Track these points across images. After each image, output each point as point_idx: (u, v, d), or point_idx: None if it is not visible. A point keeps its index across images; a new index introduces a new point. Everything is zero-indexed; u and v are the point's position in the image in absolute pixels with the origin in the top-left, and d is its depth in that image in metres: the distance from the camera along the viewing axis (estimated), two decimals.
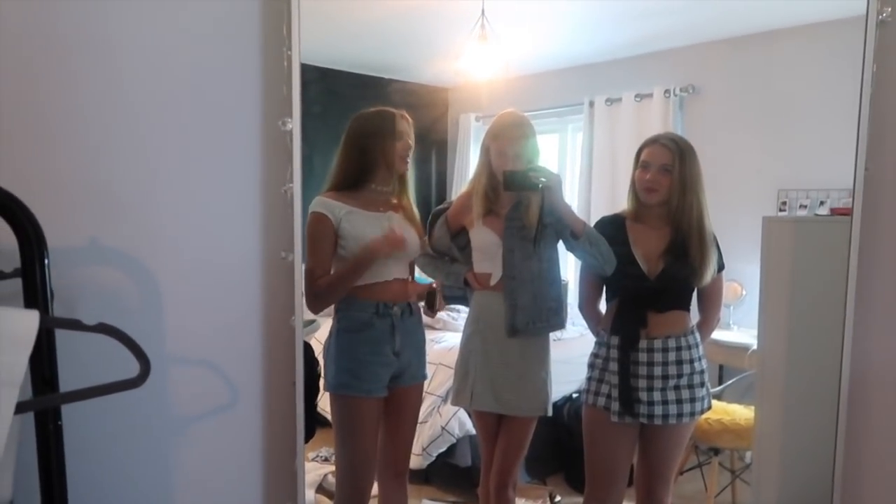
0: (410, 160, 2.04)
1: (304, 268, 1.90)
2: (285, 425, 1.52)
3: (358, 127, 1.98)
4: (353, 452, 2.00)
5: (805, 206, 3.22)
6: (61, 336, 1.16)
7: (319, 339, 3.28)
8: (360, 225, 1.95)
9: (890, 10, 1.15)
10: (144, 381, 1.04)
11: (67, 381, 1.14)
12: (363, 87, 4.28)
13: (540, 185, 1.95)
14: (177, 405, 1.43)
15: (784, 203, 3.31)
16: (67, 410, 1.14)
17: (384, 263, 1.97)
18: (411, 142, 1.99)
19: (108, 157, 1.36)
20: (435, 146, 5.06)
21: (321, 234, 1.92)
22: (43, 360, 1.07)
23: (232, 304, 1.49)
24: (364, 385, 1.96)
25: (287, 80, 1.45)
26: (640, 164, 2.04)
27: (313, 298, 1.95)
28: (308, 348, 1.83)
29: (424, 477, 3.04)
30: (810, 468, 1.70)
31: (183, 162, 1.43)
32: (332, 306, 2.04)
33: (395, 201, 2.06)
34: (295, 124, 1.46)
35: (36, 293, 1.06)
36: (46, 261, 1.08)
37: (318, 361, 1.96)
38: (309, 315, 2.82)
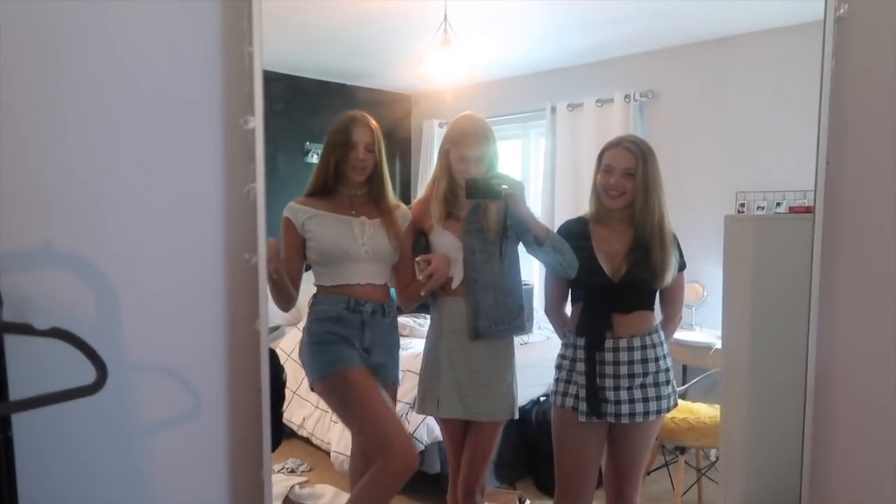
0: (383, 161, 2.04)
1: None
2: (251, 433, 1.47)
3: (327, 135, 2.02)
4: (364, 416, 1.93)
5: (762, 208, 3.30)
6: (11, 343, 1.10)
7: (285, 348, 3.24)
8: (324, 226, 1.98)
9: (847, 6, 1.18)
10: (101, 388, 0.99)
11: (18, 390, 1.09)
12: (327, 93, 4.25)
13: (503, 193, 1.95)
14: (136, 413, 1.37)
15: (742, 205, 3.38)
16: (18, 421, 1.08)
17: (353, 267, 1.98)
18: (364, 152, 1.98)
19: (61, 158, 1.30)
20: (398, 152, 5.05)
21: (285, 237, 2.00)
22: None
23: (193, 308, 1.44)
24: (342, 356, 1.94)
25: (248, 78, 1.42)
26: (603, 168, 2.05)
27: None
28: (273, 355, 1.79)
29: None
30: (776, 463, 1.73)
31: (140, 162, 1.38)
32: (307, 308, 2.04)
33: (371, 206, 2.05)
34: (257, 122, 1.43)
35: None
36: None
37: (283, 369, 1.93)
38: (274, 321, 2.78)
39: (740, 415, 1.89)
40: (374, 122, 2.02)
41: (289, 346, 3.17)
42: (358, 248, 1.99)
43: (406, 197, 4.95)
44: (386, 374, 2.07)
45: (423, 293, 2.05)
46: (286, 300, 1.98)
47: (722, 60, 3.59)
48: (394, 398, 2.14)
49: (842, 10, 1.20)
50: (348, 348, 1.96)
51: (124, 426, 1.36)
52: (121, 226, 1.36)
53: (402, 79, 4.58)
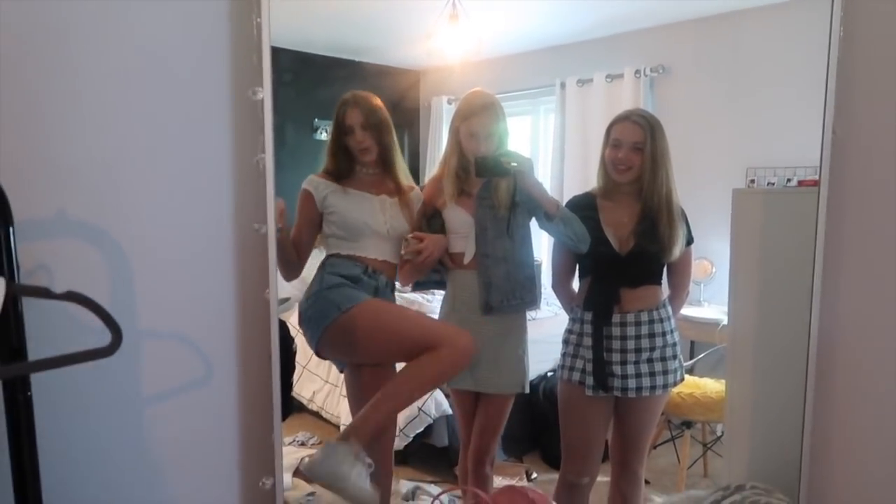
0: (390, 142, 2.02)
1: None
2: (261, 399, 1.50)
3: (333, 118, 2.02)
4: (412, 323, 1.89)
5: (773, 184, 3.27)
6: (29, 309, 1.13)
7: (294, 323, 3.28)
8: (348, 201, 1.99)
9: None
10: (116, 350, 1.02)
11: (36, 355, 1.12)
12: (336, 69, 4.24)
13: (511, 171, 1.96)
14: (149, 379, 1.40)
15: (752, 181, 3.35)
16: (37, 383, 1.11)
17: (373, 243, 1.99)
18: (361, 132, 1.96)
19: (74, 128, 1.32)
20: (406, 128, 5.04)
21: (302, 209, 2.01)
22: (10, 330, 1.04)
23: (204, 277, 1.46)
24: (364, 294, 1.90)
25: (257, 49, 1.43)
26: (612, 142, 2.05)
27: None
28: (282, 325, 1.81)
29: (402, 458, 3.04)
30: (779, 438, 1.74)
31: (150, 132, 1.40)
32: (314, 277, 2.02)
33: (389, 185, 2.06)
34: (266, 93, 1.44)
35: (1, 261, 1.02)
36: (12, 228, 1.05)
37: (293, 339, 1.94)
38: (284, 293, 2.80)
39: (745, 389, 1.90)
40: (370, 102, 1.98)
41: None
42: (380, 224, 1.99)
43: (414, 172, 4.96)
44: None
45: (407, 269, 2.06)
46: (289, 268, 1.97)
47: (734, 35, 3.55)
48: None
49: None
50: (357, 293, 1.90)
51: (137, 391, 1.39)
52: (133, 195, 1.38)
53: (411, 55, 4.56)
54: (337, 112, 1.99)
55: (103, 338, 1.05)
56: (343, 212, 1.98)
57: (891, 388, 1.35)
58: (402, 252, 2.02)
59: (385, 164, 2.04)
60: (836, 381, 1.44)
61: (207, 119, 1.45)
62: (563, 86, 4.19)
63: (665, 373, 2.06)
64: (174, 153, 1.42)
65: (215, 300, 1.47)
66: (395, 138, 2.05)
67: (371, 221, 1.98)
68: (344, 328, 1.84)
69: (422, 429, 2.99)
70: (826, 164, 1.29)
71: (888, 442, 1.39)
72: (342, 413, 3.21)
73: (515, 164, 1.95)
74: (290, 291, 2.46)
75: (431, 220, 2.16)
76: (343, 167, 2.02)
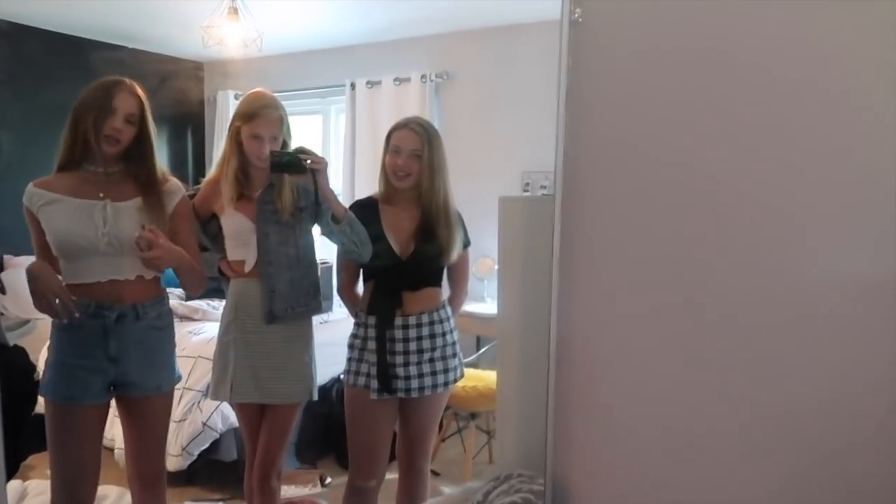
0: (150, 137, 1.80)
1: None
2: None
3: (79, 98, 1.74)
4: (64, 464, 1.80)
5: (545, 187, 3.55)
6: None
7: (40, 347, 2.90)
8: (58, 214, 1.74)
9: (580, 10, 1.30)
10: None
11: None
12: (99, 57, 3.83)
13: (308, 169, 1.91)
14: None
15: (528, 184, 3.62)
16: None
17: (93, 262, 1.75)
18: (123, 122, 1.73)
19: None
20: (190, 124, 4.73)
21: (29, 225, 1.77)
22: None
23: None
24: (71, 391, 1.77)
25: None
26: (391, 149, 2.09)
27: None
28: (21, 353, 1.60)
29: (186, 478, 2.85)
30: (542, 426, 1.88)
31: None
32: None
33: (128, 185, 1.80)
34: None
35: None
36: None
37: (34, 367, 1.72)
38: (23, 314, 2.45)
39: (512, 380, 2.02)
40: (142, 92, 1.79)
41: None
42: (96, 238, 1.74)
43: (199, 172, 4.67)
44: (141, 384, 1.86)
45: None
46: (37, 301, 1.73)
47: (513, 46, 3.77)
48: (166, 405, 1.98)
49: (576, 14, 1.32)
50: (82, 376, 1.78)
51: None
52: None
53: (192, 46, 4.28)
54: (99, 90, 1.72)
55: None
56: (52, 229, 1.74)
57: (617, 379, 1.51)
58: (135, 235, 1.73)
59: (133, 161, 1.80)
60: (573, 373, 1.58)
61: None
62: (353, 86, 4.20)
63: (446, 371, 2.15)
64: None
65: None
66: (153, 132, 1.83)
67: (84, 237, 1.73)
68: (45, 409, 1.82)
69: (207, 445, 2.82)
70: (559, 181, 1.43)
71: (619, 427, 1.55)
72: (116, 436, 2.92)
73: (311, 162, 1.91)
74: (29, 312, 2.13)
75: (207, 225, 2.04)
76: (73, 159, 1.76)
